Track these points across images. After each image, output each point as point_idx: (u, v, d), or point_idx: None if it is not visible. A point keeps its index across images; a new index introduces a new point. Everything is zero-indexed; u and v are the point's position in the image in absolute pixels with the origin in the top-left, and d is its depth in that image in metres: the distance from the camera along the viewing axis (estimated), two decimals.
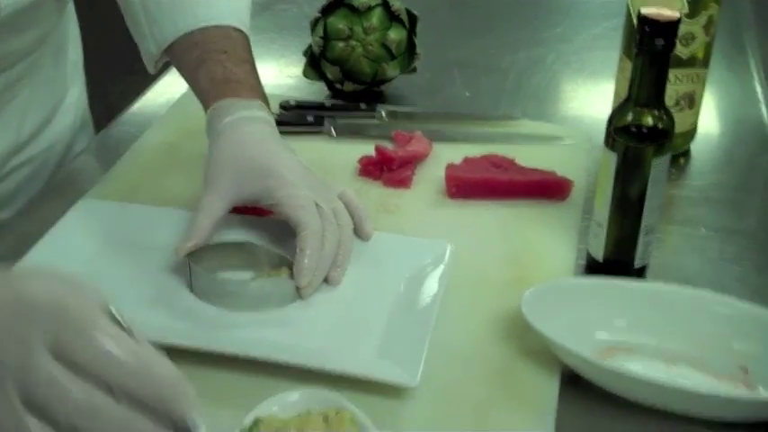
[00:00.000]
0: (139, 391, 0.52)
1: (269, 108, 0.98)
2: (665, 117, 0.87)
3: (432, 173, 1.10)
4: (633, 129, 0.87)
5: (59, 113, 1.17)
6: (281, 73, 1.37)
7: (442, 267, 0.90)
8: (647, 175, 0.87)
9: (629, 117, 0.87)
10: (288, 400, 0.70)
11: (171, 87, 1.28)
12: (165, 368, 0.54)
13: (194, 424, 0.65)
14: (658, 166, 0.87)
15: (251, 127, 0.93)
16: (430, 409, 0.77)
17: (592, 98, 1.34)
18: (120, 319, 0.55)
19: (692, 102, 1.14)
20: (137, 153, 1.14)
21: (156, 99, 1.29)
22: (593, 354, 0.81)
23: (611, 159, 0.88)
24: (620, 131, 0.88)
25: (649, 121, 0.87)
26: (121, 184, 1.07)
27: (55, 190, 1.11)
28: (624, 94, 0.88)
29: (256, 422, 0.67)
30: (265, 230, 0.94)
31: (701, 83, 1.13)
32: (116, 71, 1.82)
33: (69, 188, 1.09)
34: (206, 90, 0.96)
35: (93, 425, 0.51)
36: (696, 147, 1.20)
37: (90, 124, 1.28)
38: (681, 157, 1.18)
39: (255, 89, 0.97)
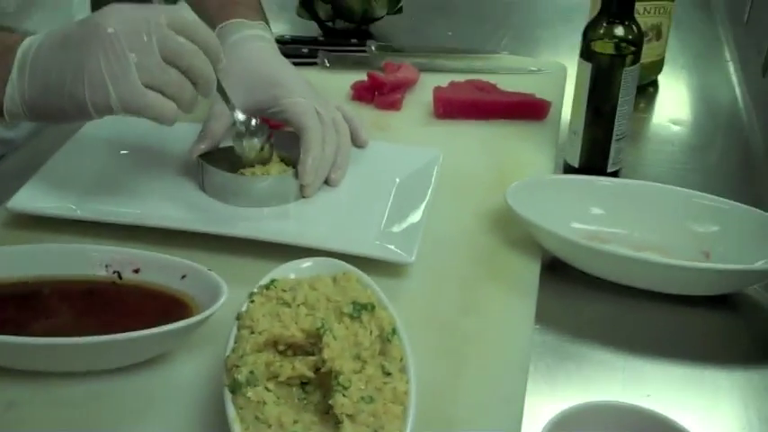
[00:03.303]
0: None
1: (270, 30, 1.05)
2: (634, 29, 0.95)
3: (420, 98, 1.18)
4: (606, 40, 0.96)
5: None
6: (275, 13, 1.44)
7: (435, 169, 0.98)
8: (619, 82, 0.96)
9: (602, 30, 0.96)
10: (301, 267, 0.77)
11: None
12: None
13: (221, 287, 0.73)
14: (629, 74, 0.96)
15: (256, 44, 1.00)
16: (422, 285, 0.85)
17: (567, 33, 1.42)
18: None
19: (660, 34, 1.23)
20: None
21: None
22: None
23: (587, 69, 0.97)
24: (594, 43, 0.96)
25: (621, 32, 0.95)
26: None
27: None
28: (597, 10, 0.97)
29: (272, 281, 0.74)
30: None
31: (668, 15, 1.22)
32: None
33: None
34: (214, 11, 1.04)
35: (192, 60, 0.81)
36: (663, 78, 1.29)
37: None
38: (649, 87, 1.27)
39: (259, 12, 1.05)
